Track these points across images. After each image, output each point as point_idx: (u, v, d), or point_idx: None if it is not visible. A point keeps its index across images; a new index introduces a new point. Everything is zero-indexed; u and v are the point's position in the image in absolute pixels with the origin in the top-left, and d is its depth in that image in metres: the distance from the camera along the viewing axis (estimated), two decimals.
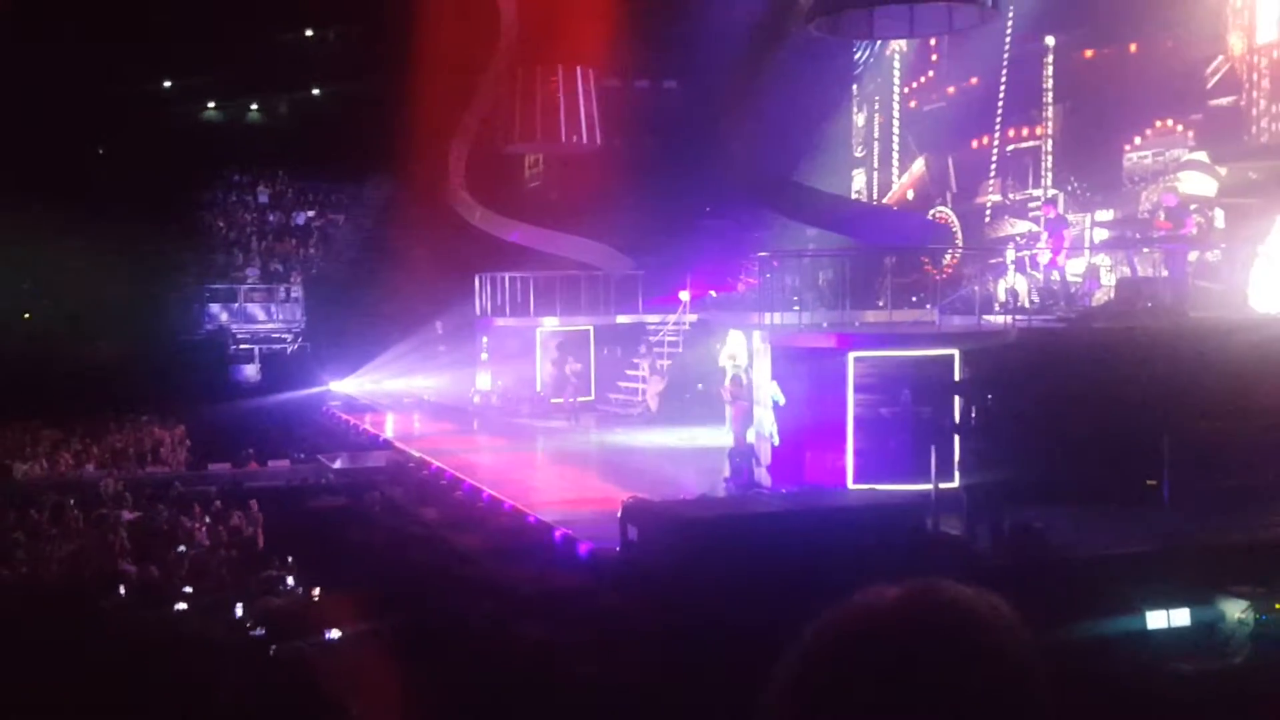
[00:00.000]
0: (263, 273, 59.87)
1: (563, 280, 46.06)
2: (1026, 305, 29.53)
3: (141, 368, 47.23)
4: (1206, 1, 33.97)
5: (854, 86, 50.47)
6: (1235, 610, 17.63)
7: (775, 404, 25.33)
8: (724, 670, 15.53)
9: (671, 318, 42.25)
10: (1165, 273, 29.31)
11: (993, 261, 33.90)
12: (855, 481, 23.62)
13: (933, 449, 22.41)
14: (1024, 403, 21.97)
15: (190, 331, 56.58)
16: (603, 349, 44.54)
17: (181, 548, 24.09)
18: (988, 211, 41.75)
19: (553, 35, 47.33)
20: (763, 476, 25.81)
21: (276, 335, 57.66)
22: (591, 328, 44.79)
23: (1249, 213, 31.40)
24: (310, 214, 64.22)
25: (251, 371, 55.76)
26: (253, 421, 42.55)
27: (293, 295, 58.89)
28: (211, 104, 65.38)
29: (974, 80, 42.59)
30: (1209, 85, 33.82)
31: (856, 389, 24.03)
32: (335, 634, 17.05)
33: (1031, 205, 39.21)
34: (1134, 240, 32.65)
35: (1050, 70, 38.90)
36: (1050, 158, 39.13)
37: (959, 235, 42.42)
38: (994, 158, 41.38)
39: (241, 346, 56.63)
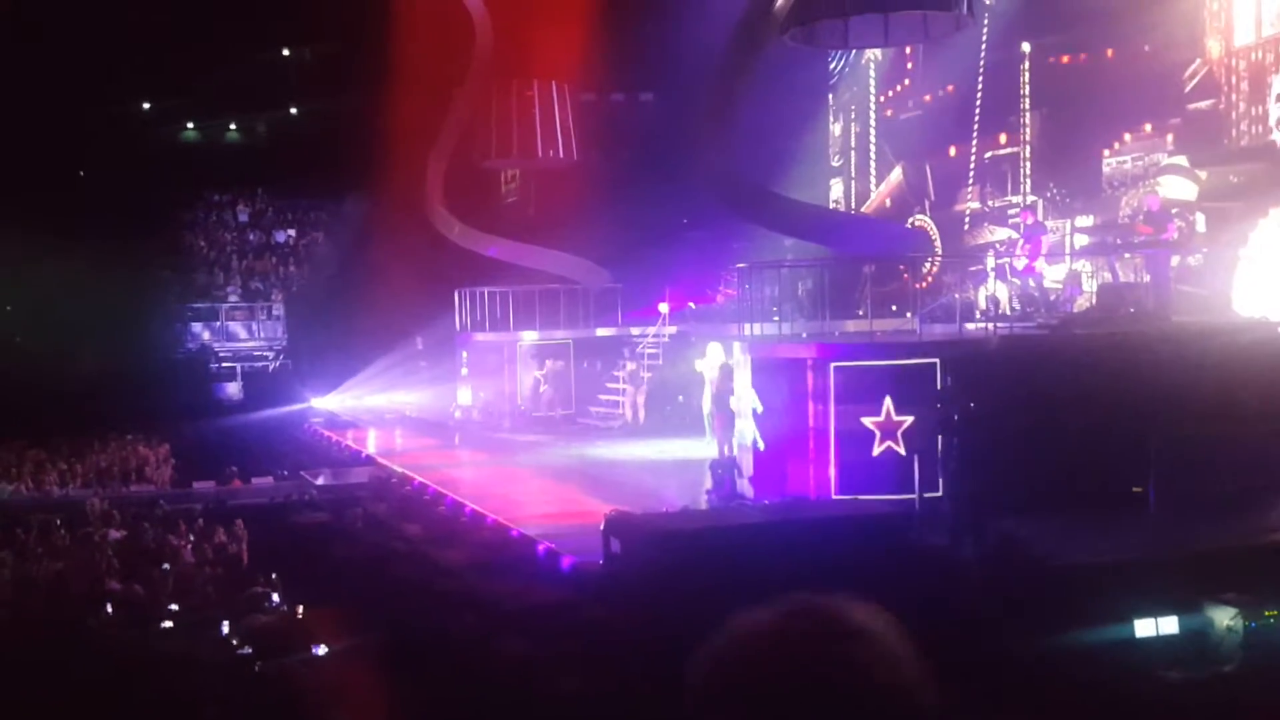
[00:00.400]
0: (243, 291, 59.92)
1: (541, 294, 46.07)
2: (1008, 312, 29.52)
3: (124, 387, 47.19)
4: (1182, 5, 33.98)
5: (830, 96, 50.49)
6: (1224, 618, 17.59)
7: (755, 412, 25.33)
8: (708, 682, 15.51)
9: (651, 330, 42.23)
10: (1147, 278, 29.30)
11: (973, 269, 33.91)
12: (838, 492, 23.60)
13: (915, 459, 22.44)
14: (1007, 411, 21.95)
15: (172, 350, 56.62)
16: (582, 362, 44.55)
17: (167, 566, 24.04)
18: (967, 219, 41.74)
19: (528, 50, 47.39)
20: (745, 488, 25.79)
21: (258, 353, 57.74)
22: (571, 341, 44.82)
23: (1230, 216, 31.43)
24: (290, 232, 64.25)
25: (234, 389, 55.79)
26: (236, 439, 42.53)
27: (274, 313, 58.96)
28: (190, 124, 65.34)
29: (950, 88, 42.60)
30: (1187, 89, 33.84)
31: (837, 399, 24.00)
32: (321, 650, 17.01)
33: (1011, 212, 39.22)
34: (1115, 245, 32.66)
35: (1027, 76, 38.91)
36: (1029, 164, 39.12)
37: (938, 243, 42.41)
38: (972, 165, 41.37)
39: (223, 365, 56.69)
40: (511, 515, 25.94)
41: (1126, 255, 31.29)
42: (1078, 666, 16.10)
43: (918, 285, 34.81)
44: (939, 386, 23.13)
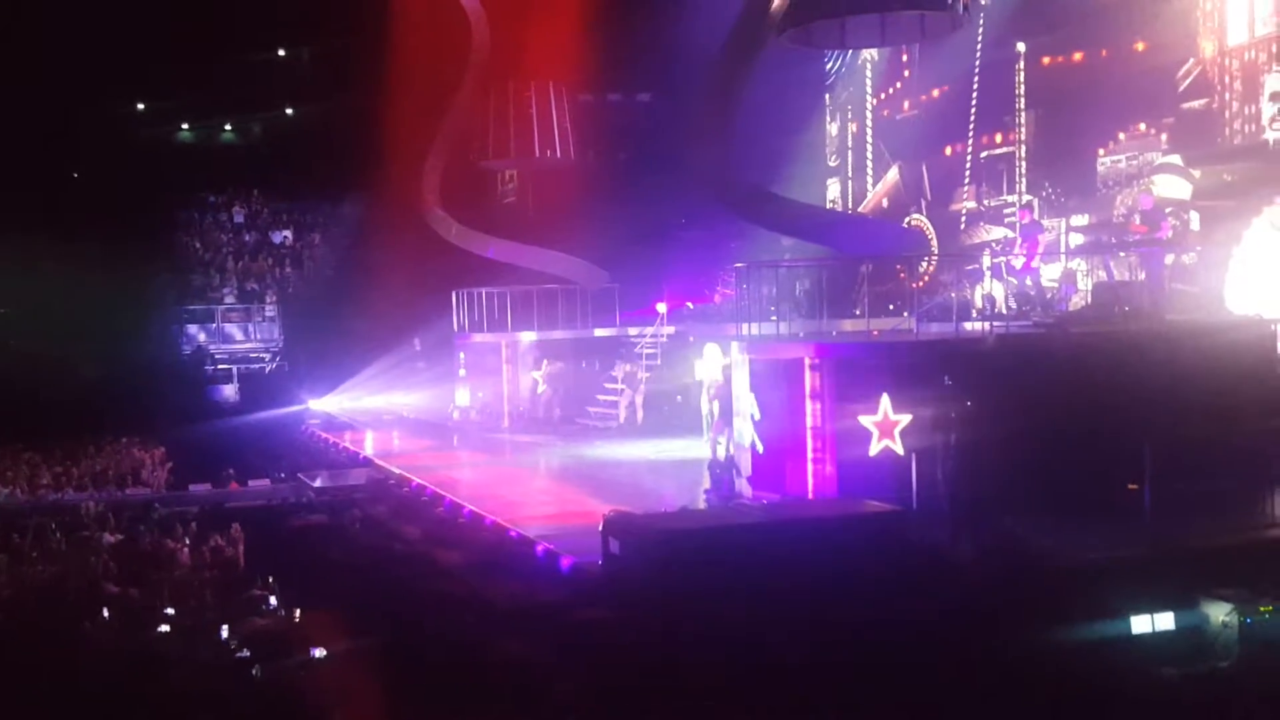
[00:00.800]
0: (239, 293, 59.77)
1: (539, 294, 46.05)
2: (1004, 311, 29.52)
3: (120, 389, 47.12)
4: (1176, 5, 34.04)
5: (827, 96, 50.60)
6: (1220, 614, 17.65)
7: (753, 413, 25.35)
8: (707, 682, 15.54)
9: (649, 330, 42.23)
10: (1141, 276, 29.37)
11: (969, 268, 33.92)
12: (836, 492, 23.60)
13: (913, 458, 22.47)
14: (1003, 409, 21.98)
15: (168, 353, 56.47)
16: (580, 362, 44.55)
17: (163, 569, 24.03)
18: (963, 218, 41.81)
19: (525, 50, 47.43)
20: (743, 488, 25.83)
21: (254, 355, 57.61)
22: (569, 341, 44.86)
23: (1224, 215, 31.47)
24: (286, 233, 64.12)
25: (230, 391, 55.70)
26: (232, 441, 42.43)
27: (269, 315, 58.84)
28: (185, 125, 65.28)
29: (946, 88, 42.69)
30: (1181, 88, 33.89)
31: (835, 398, 23.99)
32: (320, 653, 17.03)
33: (1007, 211, 39.28)
34: (1110, 244, 32.69)
35: (1022, 76, 38.97)
36: (1024, 163, 39.18)
37: (934, 243, 42.44)
38: (968, 164, 41.45)
39: (220, 367, 56.58)
40: (510, 516, 25.91)
41: (1121, 254, 31.33)
42: (1074, 663, 16.15)
43: (914, 285, 34.82)
44: (936, 386, 23.13)
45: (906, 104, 45.83)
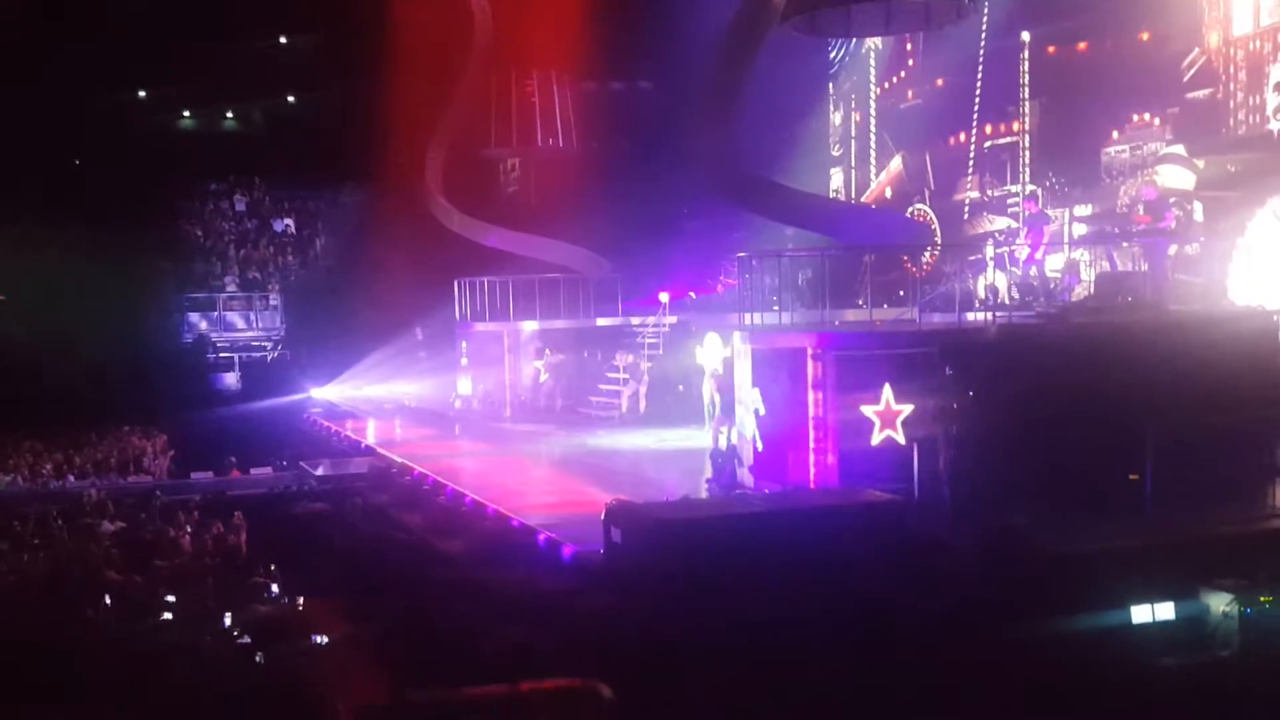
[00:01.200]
0: (241, 281, 59.76)
1: (542, 284, 45.99)
2: (1006, 301, 29.52)
3: (122, 377, 47.09)
4: None
5: (830, 85, 50.53)
6: (1220, 604, 17.63)
7: (757, 413, 25.33)
8: (710, 671, 15.54)
9: (651, 319, 42.21)
10: (1144, 267, 29.35)
11: (972, 258, 33.90)
12: (838, 481, 23.58)
13: (915, 447, 22.46)
14: (1005, 398, 21.96)
15: (170, 341, 56.44)
16: (583, 352, 44.53)
17: (165, 558, 24.03)
18: (966, 208, 41.78)
19: (528, 39, 47.42)
20: (745, 477, 25.81)
21: (256, 343, 57.60)
22: (571, 331, 44.80)
23: (1227, 205, 31.46)
24: (288, 221, 64.06)
25: (232, 380, 55.65)
26: (234, 429, 42.43)
27: (271, 303, 58.81)
28: (187, 113, 65.24)
29: (950, 77, 42.62)
30: (1185, 78, 33.85)
31: (838, 388, 23.97)
32: (322, 639, 17.02)
33: (1010, 201, 39.26)
34: (1113, 235, 32.67)
35: (1026, 66, 38.90)
36: (1028, 153, 39.14)
37: (938, 232, 42.44)
38: (971, 154, 41.41)
39: (221, 355, 56.55)
40: (512, 505, 25.91)
41: (1125, 244, 31.35)
42: (1075, 653, 16.13)
43: (917, 274, 34.82)
44: (938, 375, 23.12)
45: (910, 93, 45.78)
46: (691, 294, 45.40)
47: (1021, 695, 15.12)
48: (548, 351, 44.27)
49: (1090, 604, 17.31)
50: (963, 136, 41.81)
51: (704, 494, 25.70)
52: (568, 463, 32.86)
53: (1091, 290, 30.16)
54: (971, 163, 41.44)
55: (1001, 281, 31.05)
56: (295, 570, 21.89)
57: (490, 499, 26.67)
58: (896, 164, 46.45)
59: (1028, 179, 38.94)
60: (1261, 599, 17.58)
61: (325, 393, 51.22)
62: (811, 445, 24.02)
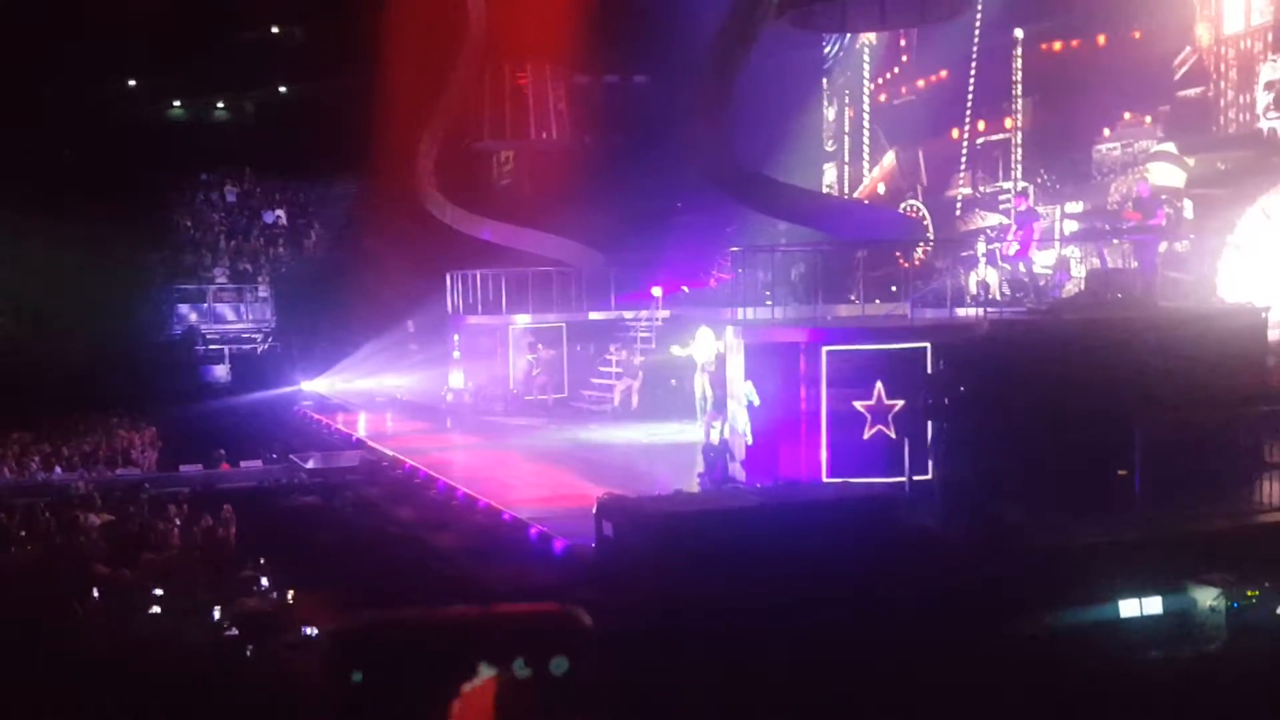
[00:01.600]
0: (231, 272, 59.64)
1: (534, 277, 45.98)
2: (998, 298, 29.56)
3: (111, 369, 47.01)
4: None
5: (824, 81, 50.58)
6: (1207, 598, 17.69)
7: (750, 404, 25.33)
8: (701, 665, 15.55)
9: (644, 313, 42.21)
10: (1135, 263, 29.41)
11: (964, 254, 33.94)
12: (830, 475, 23.62)
13: (906, 442, 22.49)
14: (995, 394, 21.99)
15: (159, 332, 56.35)
16: (575, 345, 44.52)
17: (154, 550, 24.02)
18: (958, 204, 41.85)
19: (521, 32, 47.38)
20: (737, 471, 25.82)
21: (246, 335, 57.46)
22: (564, 324, 44.77)
23: (1217, 203, 31.54)
24: (279, 213, 63.93)
25: (222, 372, 55.57)
26: (224, 422, 42.38)
27: (262, 295, 58.71)
28: (177, 103, 65.12)
29: (943, 74, 42.71)
30: (1177, 77, 33.93)
31: (829, 383, 24.00)
32: (312, 631, 17.03)
33: (1002, 198, 39.31)
34: (1104, 232, 32.72)
35: (1019, 63, 38.96)
36: (1020, 150, 39.20)
37: (930, 228, 42.48)
38: (964, 151, 41.49)
39: (211, 347, 56.44)
40: (504, 499, 25.96)
41: (1115, 241, 31.39)
42: (1063, 646, 16.17)
43: (909, 270, 34.84)
44: (930, 371, 23.16)
45: (904, 89, 45.85)
46: (684, 288, 45.39)
47: (1010, 688, 15.14)
48: (540, 345, 44.25)
49: (1079, 598, 17.36)
50: (955, 133, 41.88)
51: (696, 488, 25.68)
52: (560, 456, 32.88)
53: (1082, 287, 30.20)
54: (964, 159, 41.52)
55: (993, 278, 31.09)
56: (285, 564, 21.90)
57: (482, 493, 26.72)
58: (889, 160, 46.52)
59: (1020, 175, 38.98)
60: (1248, 593, 17.64)
61: (316, 385, 51.19)
62: (803, 439, 24.07)
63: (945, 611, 16.67)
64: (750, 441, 25.18)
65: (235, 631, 17.83)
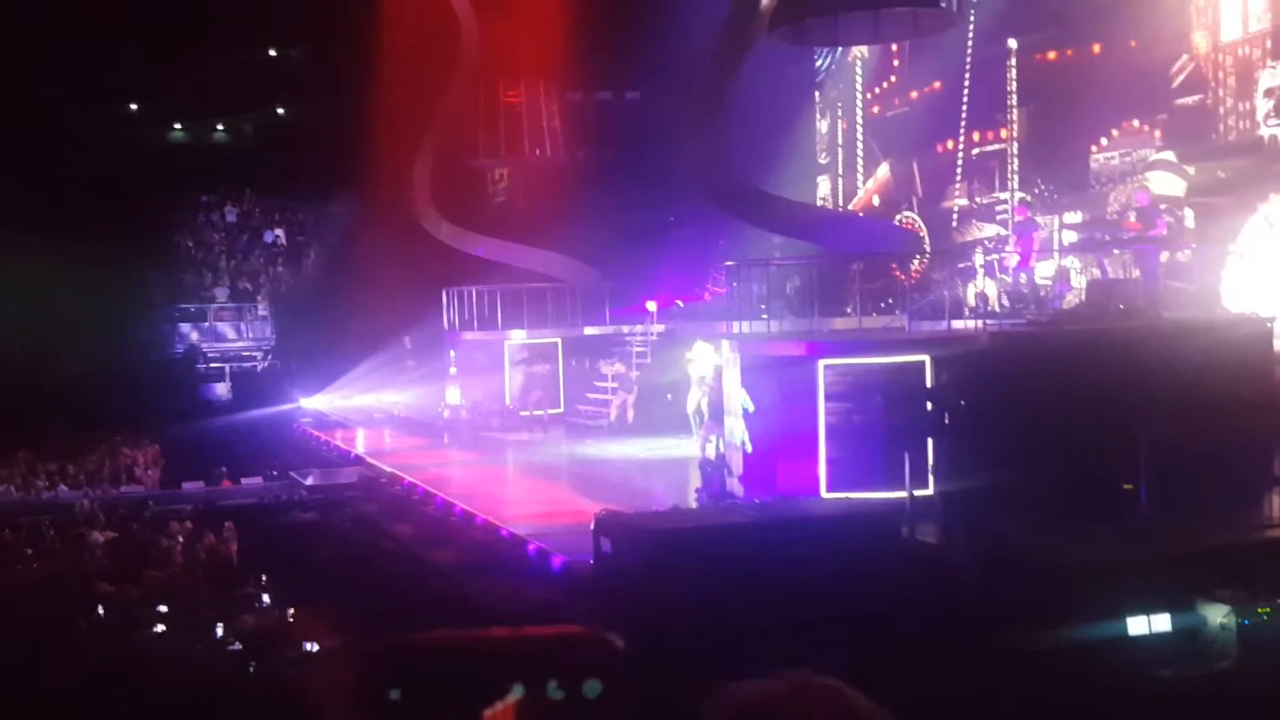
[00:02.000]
0: (232, 291, 59.72)
1: (529, 293, 46.05)
2: (996, 309, 29.50)
3: (113, 388, 47.00)
4: (1170, 1, 34.02)
5: (817, 93, 50.53)
6: (1217, 615, 17.58)
7: (746, 412, 25.30)
8: (700, 682, 15.50)
9: (639, 328, 42.22)
10: (1136, 274, 29.36)
11: (961, 266, 33.91)
12: (829, 490, 23.58)
13: (906, 456, 22.42)
14: (997, 407, 21.92)
15: (160, 351, 56.40)
16: (571, 360, 44.53)
17: (157, 568, 24.01)
18: (954, 216, 41.78)
19: (514, 49, 47.45)
20: (735, 487, 25.77)
21: (246, 353, 57.57)
22: (559, 339, 44.80)
23: (1218, 212, 31.47)
24: (278, 232, 64.01)
25: (222, 390, 55.62)
26: (224, 440, 42.40)
27: (261, 313, 58.79)
28: (178, 125, 65.19)
29: (937, 85, 42.65)
30: (1174, 84, 33.87)
31: (827, 397, 23.97)
32: (313, 647, 17.00)
33: (999, 209, 39.27)
34: (1104, 242, 32.67)
35: (1014, 73, 38.90)
36: (1016, 160, 39.15)
37: (926, 240, 42.44)
38: (959, 162, 41.43)
39: (212, 365, 56.50)
40: (501, 515, 25.93)
41: (1116, 251, 31.33)
42: (1071, 664, 16.09)
43: (906, 282, 34.80)
44: (929, 384, 23.11)
45: (897, 101, 45.81)
46: (679, 302, 45.40)
47: (1018, 706, 15.08)
48: (536, 361, 44.26)
49: (1086, 615, 17.28)
50: (950, 144, 41.82)
51: (693, 503, 25.65)
52: (556, 472, 32.90)
53: (1083, 298, 30.15)
54: (960, 170, 41.45)
55: (991, 289, 31.03)
56: (286, 580, 21.86)
57: (479, 509, 26.70)
58: (884, 172, 46.49)
59: (1016, 186, 38.94)
60: (1259, 610, 17.54)
61: (315, 402, 51.21)
62: (801, 454, 24.03)
63: (946, 628, 16.62)
64: (750, 450, 25.12)
65: (238, 647, 17.81)
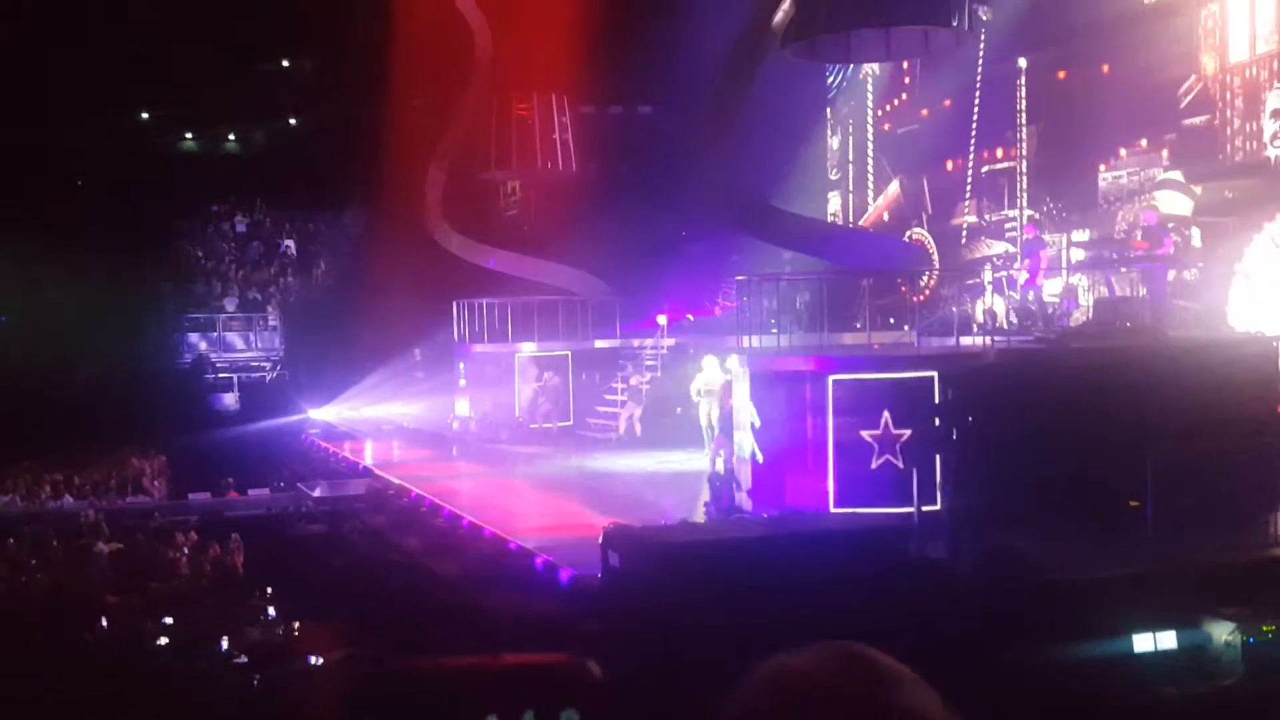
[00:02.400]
0: (241, 302, 59.76)
1: (540, 306, 46.05)
2: (1004, 326, 29.51)
3: (121, 398, 47.05)
4: (1178, 22, 34.02)
5: (828, 110, 50.55)
6: (1223, 632, 17.55)
7: (754, 425, 25.31)
8: (708, 697, 15.52)
9: (649, 341, 42.24)
10: (1143, 292, 29.36)
11: (970, 283, 33.92)
12: (837, 505, 23.59)
13: (914, 472, 22.43)
14: (1004, 424, 21.93)
15: (170, 361, 56.43)
16: (580, 374, 44.54)
17: (163, 579, 24.03)
18: (964, 233, 41.79)
19: (527, 62, 47.45)
20: (744, 501, 25.76)
21: (255, 364, 57.56)
22: (569, 353, 44.80)
23: (1225, 231, 31.50)
24: (288, 243, 64.10)
25: (230, 400, 55.63)
26: (232, 450, 42.42)
27: (271, 324, 58.83)
28: (189, 135, 65.32)
29: (947, 102, 42.64)
30: (1182, 105, 33.87)
31: (836, 412, 23.99)
32: (318, 660, 17.01)
33: (1008, 226, 39.28)
34: (1112, 260, 32.69)
35: (1023, 91, 38.94)
36: (1025, 179, 39.16)
37: (935, 257, 42.46)
38: (969, 179, 41.42)
39: (220, 375, 56.51)
40: (509, 527, 25.89)
41: (1123, 269, 31.34)
42: (1076, 681, 16.08)
43: (915, 299, 34.83)
44: (937, 400, 23.13)
45: (908, 118, 45.82)
46: (689, 316, 45.44)
47: None
48: (546, 374, 44.27)
49: (1091, 631, 17.27)
50: (960, 161, 41.83)
51: (702, 517, 25.64)
52: (565, 485, 32.85)
53: (1090, 315, 30.18)
54: (969, 187, 41.45)
55: (999, 306, 31.06)
56: (292, 592, 21.88)
57: (488, 521, 26.65)
58: (894, 188, 46.50)
59: (1025, 204, 38.95)
60: (1264, 628, 17.50)
61: (323, 414, 51.21)
62: (810, 469, 24.04)
63: (954, 644, 16.62)
64: (761, 459, 25.11)
65: (244, 659, 17.83)
